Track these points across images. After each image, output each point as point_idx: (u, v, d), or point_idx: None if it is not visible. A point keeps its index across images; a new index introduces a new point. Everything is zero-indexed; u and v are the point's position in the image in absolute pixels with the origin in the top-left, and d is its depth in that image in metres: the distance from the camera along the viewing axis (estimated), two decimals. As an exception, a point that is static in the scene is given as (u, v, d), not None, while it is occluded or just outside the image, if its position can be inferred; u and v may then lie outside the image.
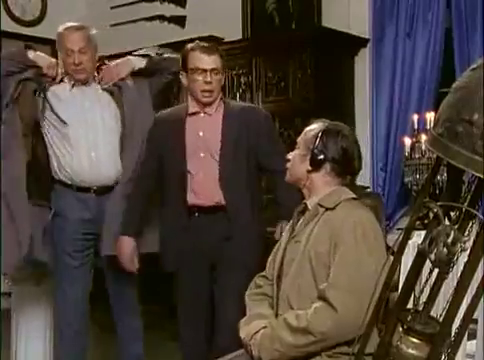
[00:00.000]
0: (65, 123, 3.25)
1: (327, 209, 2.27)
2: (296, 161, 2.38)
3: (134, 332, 3.43)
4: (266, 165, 3.10)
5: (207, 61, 3.00)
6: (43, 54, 3.36)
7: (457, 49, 4.71)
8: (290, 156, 2.43)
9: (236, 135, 3.04)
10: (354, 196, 2.33)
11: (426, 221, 1.44)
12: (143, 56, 3.42)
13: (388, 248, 2.17)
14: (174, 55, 3.44)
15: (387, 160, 5.02)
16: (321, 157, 2.30)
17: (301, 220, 2.37)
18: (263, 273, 2.52)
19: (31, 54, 3.29)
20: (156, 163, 3.14)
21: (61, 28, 3.30)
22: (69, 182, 3.29)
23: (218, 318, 3.03)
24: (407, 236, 1.46)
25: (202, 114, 3.09)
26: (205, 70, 3.00)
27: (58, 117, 3.25)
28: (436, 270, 1.42)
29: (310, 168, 2.32)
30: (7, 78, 3.26)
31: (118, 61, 3.41)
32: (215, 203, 3.02)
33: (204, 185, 3.02)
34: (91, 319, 3.51)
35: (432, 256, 1.35)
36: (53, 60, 3.35)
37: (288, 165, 2.43)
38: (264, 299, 2.42)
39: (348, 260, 2.13)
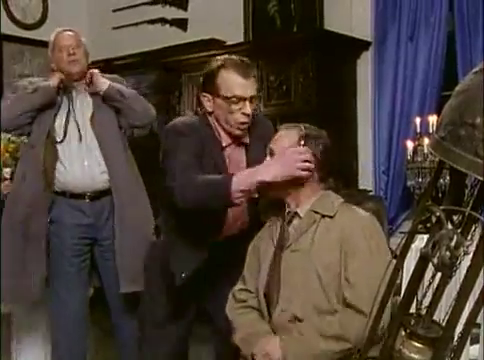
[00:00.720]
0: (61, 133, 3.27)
1: (324, 216, 2.21)
2: None
3: (133, 335, 3.42)
4: None
5: (245, 88, 2.42)
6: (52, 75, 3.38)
7: (459, 52, 4.71)
8: None
9: (261, 156, 2.44)
10: (342, 199, 2.29)
11: (429, 225, 1.44)
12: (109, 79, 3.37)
13: (391, 252, 2.16)
14: (142, 103, 3.37)
15: (389, 163, 5.01)
16: (312, 166, 2.22)
17: (291, 229, 2.28)
18: (241, 286, 2.40)
19: (51, 81, 3.30)
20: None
21: (53, 34, 3.39)
22: (62, 190, 3.29)
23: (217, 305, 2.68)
24: (410, 240, 1.45)
25: (234, 145, 2.59)
26: (245, 99, 2.42)
27: (53, 127, 3.27)
28: (439, 274, 1.41)
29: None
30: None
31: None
32: (237, 231, 2.66)
33: (234, 220, 2.63)
34: (91, 321, 3.51)
35: (435, 260, 1.34)
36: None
37: None
38: (252, 311, 2.34)
39: (364, 265, 2.11)
